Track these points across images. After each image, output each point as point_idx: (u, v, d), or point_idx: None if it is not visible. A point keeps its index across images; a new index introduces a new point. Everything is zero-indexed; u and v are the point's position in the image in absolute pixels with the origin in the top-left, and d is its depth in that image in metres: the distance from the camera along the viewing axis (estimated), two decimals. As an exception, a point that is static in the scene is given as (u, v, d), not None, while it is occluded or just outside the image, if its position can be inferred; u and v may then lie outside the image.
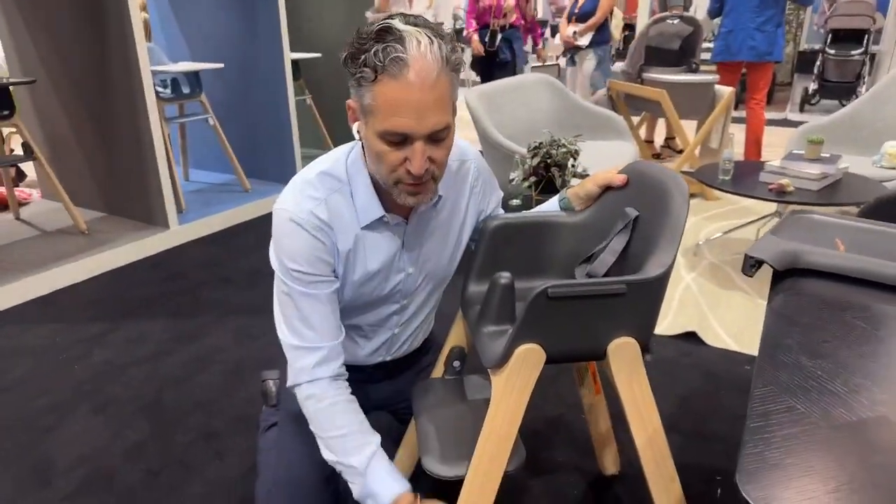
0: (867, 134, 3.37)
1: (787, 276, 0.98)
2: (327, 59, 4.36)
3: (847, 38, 6.12)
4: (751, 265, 0.99)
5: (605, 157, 3.02)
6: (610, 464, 1.51)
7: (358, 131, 0.97)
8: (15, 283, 2.48)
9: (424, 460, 1.04)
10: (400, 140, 0.90)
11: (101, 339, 2.19)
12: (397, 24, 0.87)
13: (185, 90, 3.40)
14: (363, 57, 0.86)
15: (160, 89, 3.32)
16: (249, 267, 2.82)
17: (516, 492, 1.47)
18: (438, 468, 1.02)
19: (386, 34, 0.86)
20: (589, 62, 4.52)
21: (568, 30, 4.46)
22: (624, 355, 0.95)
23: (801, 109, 6.62)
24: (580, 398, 1.45)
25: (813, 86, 6.40)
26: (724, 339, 2.13)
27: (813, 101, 6.57)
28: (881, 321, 0.84)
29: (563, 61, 4.64)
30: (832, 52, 6.13)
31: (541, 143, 2.20)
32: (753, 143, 4.08)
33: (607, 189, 1.15)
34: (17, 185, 3.71)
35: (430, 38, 0.87)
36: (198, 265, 2.83)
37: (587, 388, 1.38)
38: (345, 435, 1.04)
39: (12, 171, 3.42)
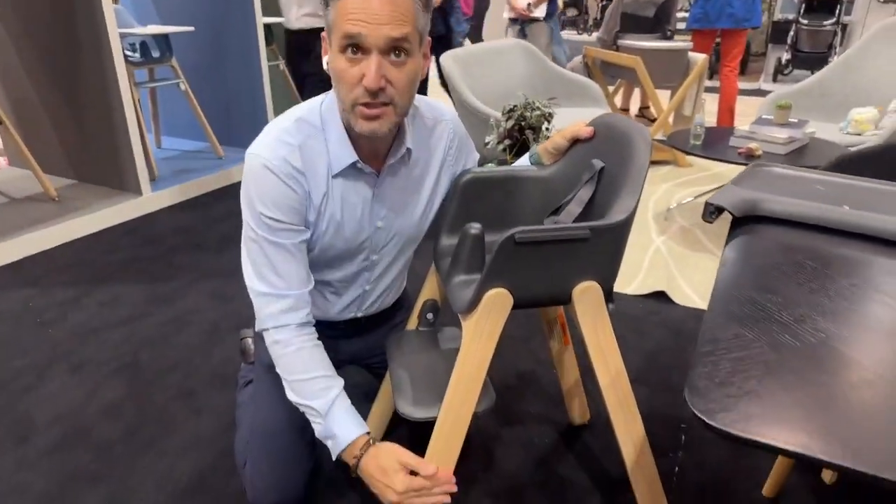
0: (836, 101, 3.44)
1: (745, 222, 1.03)
2: (301, 24, 4.27)
3: (820, 7, 6.19)
4: (710, 212, 1.03)
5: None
6: (579, 414, 1.57)
7: (327, 65, 0.98)
8: (-16, 249, 2.44)
9: (398, 404, 1.07)
10: (355, 51, 0.91)
11: (76, 303, 2.18)
12: None
13: (155, 54, 3.33)
14: None
15: (129, 53, 3.25)
16: (223, 233, 2.81)
17: (489, 440, 1.52)
18: (412, 411, 1.05)
19: None
20: (544, 36, 4.23)
21: (521, 0, 4.11)
22: (588, 299, 0.99)
23: (775, 80, 6.70)
24: (551, 353, 1.50)
25: (786, 56, 6.48)
26: (692, 297, 2.20)
27: (786, 72, 6.65)
28: (830, 261, 0.89)
29: (511, 32, 4.25)
30: (805, 21, 6.20)
31: (515, 106, 2.22)
32: (726, 111, 4.13)
33: (575, 142, 1.18)
34: (-17, 153, 3.62)
35: None
36: (171, 231, 2.81)
37: (556, 339, 1.43)
38: (309, 379, 1.07)
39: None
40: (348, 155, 1.05)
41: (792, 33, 6.37)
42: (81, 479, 1.41)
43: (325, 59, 0.99)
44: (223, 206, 3.16)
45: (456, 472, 1.35)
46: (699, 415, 0.57)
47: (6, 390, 1.72)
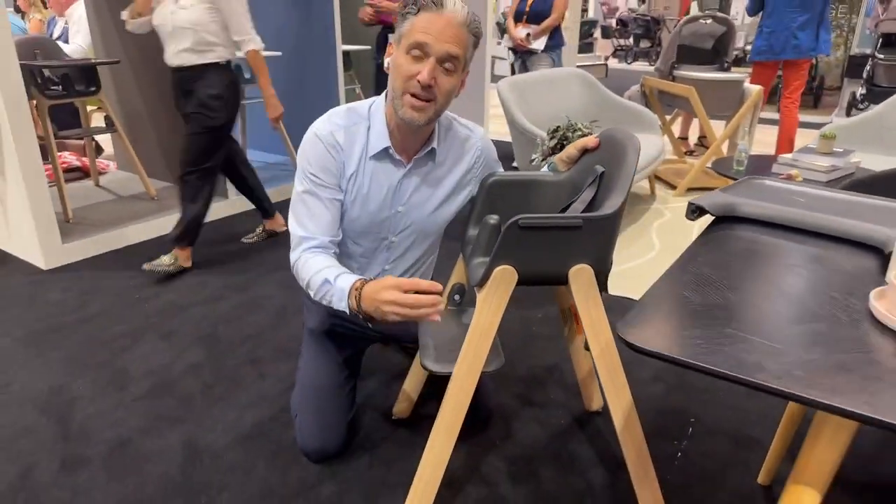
0: (895, 135, 3.45)
1: (723, 221, 1.20)
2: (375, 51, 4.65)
3: (898, 42, 6.06)
4: (692, 211, 1.20)
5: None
6: (593, 401, 1.73)
7: (388, 64, 1.26)
8: (96, 237, 2.86)
9: (423, 360, 1.29)
10: (419, 54, 1.19)
11: (168, 284, 2.53)
12: None
13: (247, 76, 3.74)
14: (413, 1, 1.20)
15: (225, 74, 3.66)
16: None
17: (511, 417, 1.71)
18: (433, 366, 1.27)
19: None
20: (544, 68, 4.06)
21: (519, 31, 3.98)
22: (582, 279, 1.18)
23: (848, 114, 6.55)
24: (567, 343, 1.68)
25: (861, 90, 6.35)
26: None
27: (861, 106, 6.50)
28: (786, 251, 1.05)
29: (507, 61, 4.23)
30: (882, 56, 6.08)
31: (558, 127, 2.42)
32: (785, 142, 4.17)
33: (585, 152, 1.38)
34: (96, 157, 4.14)
35: (464, 5, 1.21)
36: (250, 230, 3.16)
37: (570, 327, 1.61)
38: (319, 270, 1.27)
39: (93, 143, 3.84)
40: (384, 141, 1.32)
41: (868, 68, 6.25)
42: (166, 420, 1.70)
43: (386, 60, 1.28)
44: (296, 211, 3.50)
45: (477, 440, 1.57)
46: (622, 336, 0.76)
47: (108, 348, 2.06)
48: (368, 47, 4.49)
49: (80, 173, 3.82)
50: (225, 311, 2.31)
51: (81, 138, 3.70)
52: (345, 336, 1.59)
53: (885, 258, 1.00)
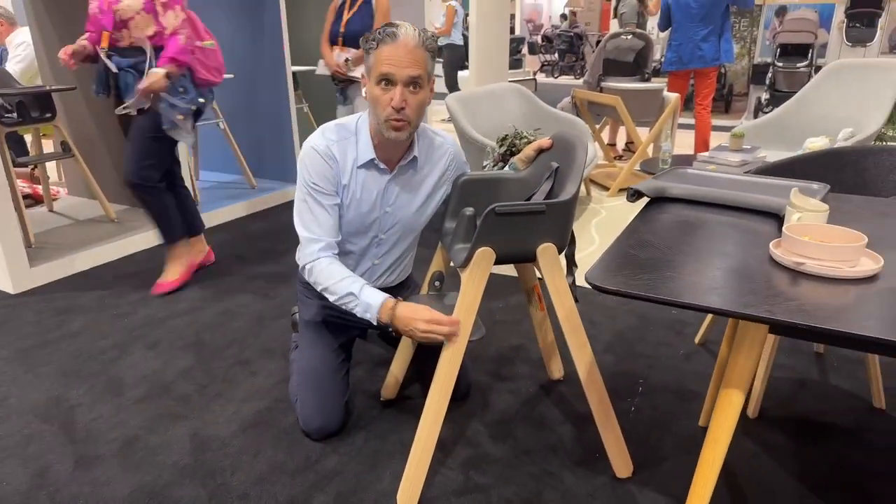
0: (793, 133, 3.91)
1: (656, 202, 1.47)
2: (322, 71, 4.83)
3: (794, 52, 6.73)
4: (631, 194, 1.47)
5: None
6: (555, 370, 1.98)
7: (365, 93, 1.47)
8: (61, 259, 2.90)
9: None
10: (387, 83, 1.40)
11: (143, 301, 2.63)
12: (398, 23, 1.42)
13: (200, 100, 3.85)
14: (373, 35, 1.39)
15: (177, 97, 3.76)
16: (261, 247, 3.26)
17: (486, 390, 1.93)
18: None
19: (388, 25, 1.40)
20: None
21: (337, 55, 3.25)
22: (547, 255, 1.42)
23: (755, 117, 7.20)
24: (532, 320, 1.92)
25: (765, 95, 7.00)
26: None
27: (766, 110, 7.14)
28: (708, 221, 1.32)
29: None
30: (780, 64, 6.74)
31: (507, 136, 2.69)
32: (701, 143, 4.61)
33: (541, 151, 1.63)
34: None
35: (414, 28, 1.41)
36: (216, 246, 3.27)
37: (534, 305, 1.85)
38: (341, 279, 1.50)
39: (37, 171, 3.84)
40: (370, 153, 1.53)
41: (770, 75, 6.90)
42: (168, 417, 1.83)
43: (363, 90, 1.48)
44: (259, 226, 3.63)
45: (460, 411, 1.79)
46: (590, 281, 1.00)
47: (97, 361, 2.15)
48: (314, 68, 4.67)
49: (31, 200, 3.81)
50: (205, 320, 2.44)
51: (34, 166, 3.69)
52: (337, 325, 1.78)
53: (780, 220, 1.29)
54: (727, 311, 0.91)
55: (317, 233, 1.53)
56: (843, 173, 1.93)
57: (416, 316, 1.41)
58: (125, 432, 1.76)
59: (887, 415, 1.80)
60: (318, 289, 1.53)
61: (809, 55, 6.65)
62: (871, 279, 1.01)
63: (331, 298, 1.52)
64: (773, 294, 0.96)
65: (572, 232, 1.50)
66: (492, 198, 1.66)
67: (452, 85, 7.50)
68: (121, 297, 2.66)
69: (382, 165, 1.56)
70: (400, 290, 1.85)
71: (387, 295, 1.48)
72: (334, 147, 1.51)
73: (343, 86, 3.39)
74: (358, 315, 1.49)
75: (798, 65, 6.65)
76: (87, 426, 1.79)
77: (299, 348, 1.79)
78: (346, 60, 3.23)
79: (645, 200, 1.53)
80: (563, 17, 13.73)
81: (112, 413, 1.85)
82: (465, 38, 7.18)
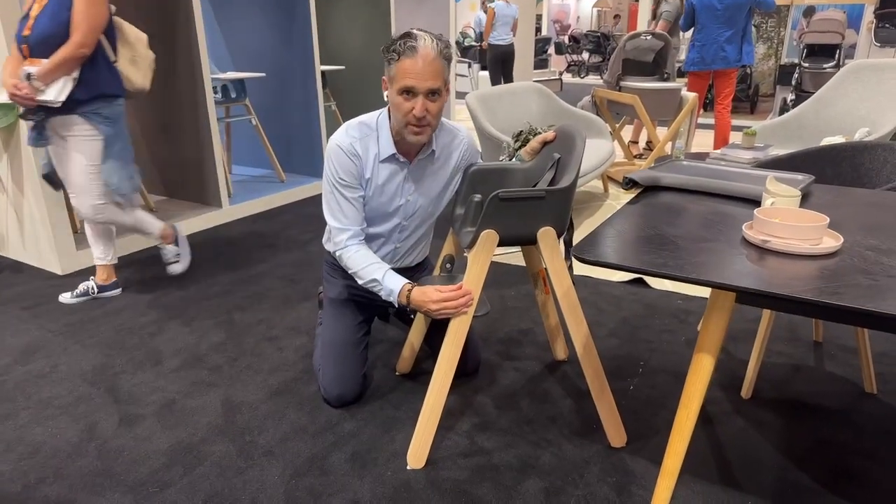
0: (810, 132, 3.96)
1: (649, 190, 1.59)
2: (349, 71, 5.01)
3: (821, 52, 6.71)
4: (626, 182, 1.59)
5: (587, 153, 3.62)
6: (560, 351, 2.10)
7: (387, 96, 1.60)
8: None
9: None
10: (409, 94, 1.53)
11: (179, 282, 2.82)
12: (415, 31, 1.53)
13: (233, 95, 4.06)
14: (393, 46, 1.52)
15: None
16: (288, 237, 3.44)
17: (494, 368, 2.07)
18: (434, 313, 1.62)
19: (407, 37, 1.52)
20: (84, 143, 2.35)
21: (22, 70, 2.19)
22: (547, 238, 1.55)
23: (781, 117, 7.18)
24: (537, 303, 2.04)
25: (791, 96, 6.98)
26: (667, 284, 2.72)
27: (791, 110, 7.13)
28: (694, 207, 1.44)
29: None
30: (807, 65, 6.72)
31: (521, 132, 2.81)
32: (721, 142, 4.67)
33: (545, 144, 1.76)
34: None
35: (432, 38, 1.53)
36: (247, 235, 3.46)
37: (539, 289, 1.98)
38: (367, 265, 1.65)
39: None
40: (391, 148, 1.67)
41: (796, 75, 6.89)
42: (202, 384, 2.00)
43: (385, 93, 1.62)
44: (287, 217, 3.81)
45: (468, 386, 1.93)
46: (575, 254, 1.13)
47: (137, 335, 2.34)
48: (343, 67, 4.85)
49: (76, 191, 4.05)
50: (236, 301, 2.62)
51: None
52: (359, 303, 1.93)
53: (758, 206, 1.40)
54: (695, 279, 1.03)
55: (344, 223, 1.69)
56: (841, 168, 2.02)
57: (426, 298, 1.55)
58: (164, 396, 1.94)
59: (877, 399, 1.89)
60: (350, 272, 1.70)
61: (837, 56, 6.62)
62: (830, 255, 1.12)
63: (359, 281, 1.68)
64: (740, 266, 1.07)
65: (571, 218, 1.63)
66: (499, 186, 1.80)
67: (496, 83, 7.63)
68: (159, 280, 2.86)
69: (402, 159, 1.70)
70: (418, 270, 1.99)
71: (405, 281, 1.63)
72: (357, 144, 1.66)
73: (35, 118, 2.28)
74: (381, 297, 1.65)
75: (825, 65, 6.63)
76: (130, 390, 1.97)
77: (324, 321, 1.95)
78: (30, 77, 2.16)
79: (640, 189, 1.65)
80: (617, 17, 13.81)
81: (152, 379, 2.04)
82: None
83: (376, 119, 1.69)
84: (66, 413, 1.86)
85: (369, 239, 1.81)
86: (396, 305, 1.63)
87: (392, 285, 1.62)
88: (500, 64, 7.57)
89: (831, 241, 1.14)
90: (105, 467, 1.62)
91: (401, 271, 1.92)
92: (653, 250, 1.16)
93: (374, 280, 1.64)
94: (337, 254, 1.71)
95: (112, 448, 1.70)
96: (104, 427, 1.79)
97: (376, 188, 1.71)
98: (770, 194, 1.26)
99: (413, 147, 1.69)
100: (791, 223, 1.15)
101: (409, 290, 1.60)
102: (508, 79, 7.53)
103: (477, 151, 1.86)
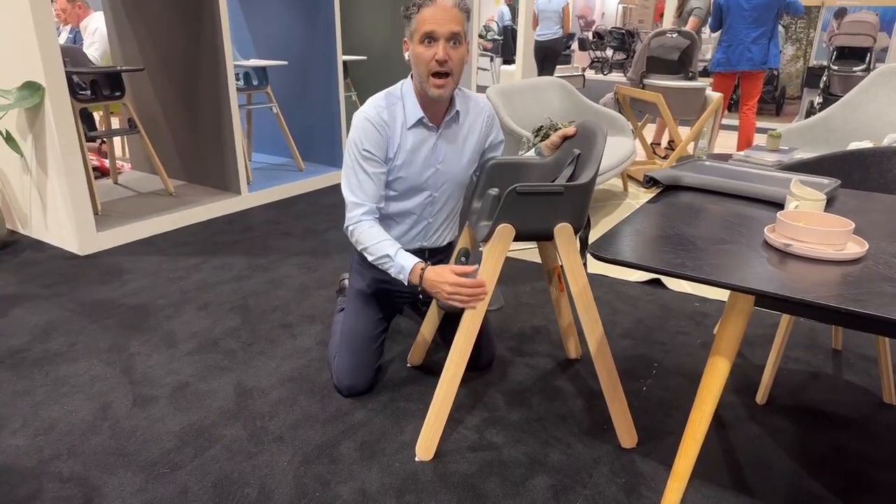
0: (838, 136, 3.88)
1: (670, 189, 1.56)
2: (371, 62, 5.01)
3: (851, 55, 6.58)
4: (646, 181, 1.57)
5: (607, 150, 3.58)
6: (572, 350, 2.09)
7: (408, 56, 1.62)
8: (124, 227, 3.15)
9: (440, 304, 1.63)
10: (431, 40, 1.54)
11: (196, 267, 2.84)
12: None
13: (255, 82, 4.08)
14: (412, 2, 1.55)
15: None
16: (305, 225, 3.46)
17: (506, 364, 2.06)
18: (448, 306, 1.61)
19: None
20: None
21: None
22: (564, 234, 1.53)
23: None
24: (552, 300, 2.03)
25: (818, 99, 6.85)
26: (683, 285, 2.69)
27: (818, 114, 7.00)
28: (715, 207, 1.42)
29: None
30: (836, 68, 6.59)
31: (542, 127, 2.79)
32: (745, 143, 4.61)
33: (565, 139, 1.74)
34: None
35: None
36: (264, 222, 3.48)
37: (554, 286, 1.96)
38: (379, 242, 1.64)
39: (105, 146, 4.14)
40: (418, 112, 1.68)
41: (825, 78, 6.76)
42: (215, 369, 2.02)
43: (406, 55, 1.63)
44: (304, 206, 3.83)
45: (480, 381, 1.92)
46: (592, 251, 1.12)
47: (154, 317, 2.37)
48: (364, 58, 4.85)
49: (98, 172, 4.10)
50: (252, 287, 2.63)
51: (103, 140, 3.98)
52: (384, 299, 1.92)
53: (781, 209, 1.37)
54: (713, 281, 1.01)
55: (361, 197, 1.68)
56: (868, 173, 1.98)
57: (442, 279, 1.53)
58: (178, 378, 1.96)
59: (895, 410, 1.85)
60: (359, 248, 1.68)
61: (867, 59, 6.49)
62: (854, 262, 1.09)
63: (370, 258, 1.66)
64: (760, 270, 1.05)
65: (588, 216, 1.61)
66: (517, 181, 1.78)
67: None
68: (176, 263, 2.88)
69: (430, 123, 1.70)
70: (448, 252, 1.97)
71: (418, 259, 1.62)
72: (384, 113, 1.66)
73: None
74: (392, 275, 1.63)
75: (854, 69, 6.50)
76: (145, 372, 2.00)
77: (345, 312, 1.95)
78: None
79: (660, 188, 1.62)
80: (641, 21, 13.60)
81: (166, 362, 2.06)
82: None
83: (400, 88, 1.71)
84: (82, 392, 1.89)
85: (400, 217, 1.81)
86: (407, 283, 1.61)
87: (404, 262, 1.60)
88: (541, 59, 7.61)
89: (856, 247, 1.12)
90: (118, 446, 1.64)
91: (431, 253, 1.91)
92: (671, 250, 1.14)
93: (386, 256, 1.62)
94: (349, 229, 1.70)
95: (125, 428, 1.72)
96: (118, 407, 1.81)
97: (406, 158, 1.70)
98: (794, 197, 1.23)
99: (439, 107, 1.69)
100: (815, 227, 1.12)
101: (423, 270, 1.58)
102: (549, 74, 7.54)
103: (497, 121, 1.87)
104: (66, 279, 2.70)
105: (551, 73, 7.43)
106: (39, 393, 1.88)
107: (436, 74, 1.57)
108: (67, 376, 1.96)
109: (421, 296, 1.67)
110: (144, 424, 1.73)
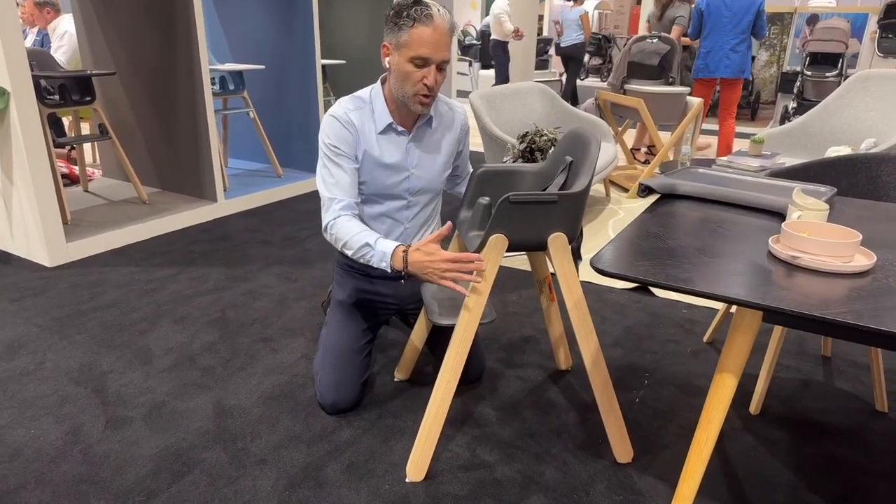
0: (816, 141, 3.91)
1: (666, 198, 1.53)
2: (350, 66, 4.93)
3: (824, 60, 6.68)
4: (642, 189, 1.53)
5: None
6: (563, 361, 2.04)
7: (388, 63, 1.57)
8: (95, 237, 3.03)
9: (430, 315, 1.58)
10: (422, 64, 1.50)
11: (171, 278, 2.74)
12: (427, 2, 1.51)
13: (231, 87, 3.98)
14: (405, 12, 1.48)
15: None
16: (284, 233, 3.37)
17: (497, 377, 2.00)
18: (438, 319, 1.55)
19: (419, 3, 1.49)
20: None
21: None
22: (558, 244, 1.48)
23: (782, 125, 7.15)
24: (542, 309, 1.98)
25: (792, 104, 6.95)
26: (671, 293, 2.66)
27: (792, 118, 7.10)
28: (712, 217, 1.38)
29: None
30: (809, 73, 6.69)
31: (527, 133, 2.75)
32: (724, 148, 4.63)
33: (552, 146, 1.70)
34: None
35: (440, 9, 1.51)
36: (242, 230, 3.38)
37: (545, 296, 1.92)
38: (358, 233, 1.57)
39: (75, 152, 4.00)
40: (388, 118, 1.64)
41: (798, 83, 6.85)
42: (193, 386, 1.93)
43: (386, 60, 1.58)
44: (284, 213, 3.73)
45: (470, 394, 1.86)
46: (594, 265, 1.07)
47: (127, 331, 2.27)
48: (343, 62, 4.78)
49: (67, 180, 3.96)
50: (230, 299, 2.54)
51: (72, 147, 3.84)
52: (367, 309, 1.86)
53: (783, 219, 1.34)
54: (722, 297, 0.97)
55: (336, 193, 1.63)
56: (857, 179, 1.97)
57: (433, 257, 1.44)
58: (153, 398, 1.87)
59: (889, 417, 1.84)
60: (339, 245, 1.61)
61: (840, 65, 6.59)
62: (863, 274, 1.06)
63: (349, 253, 1.59)
64: (767, 284, 1.01)
65: (581, 226, 1.56)
66: (507, 189, 1.73)
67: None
68: (151, 275, 2.78)
69: (401, 128, 1.67)
70: None
71: (398, 243, 1.54)
72: (352, 115, 1.63)
73: None
74: (374, 265, 1.55)
75: (827, 74, 6.60)
76: (118, 391, 1.90)
77: (327, 324, 1.88)
78: None
79: (656, 196, 1.58)
80: (616, 27, 13.67)
81: (141, 380, 1.96)
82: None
83: (369, 93, 1.68)
84: (51, 414, 1.78)
85: (377, 221, 1.77)
86: (390, 270, 1.53)
87: (385, 248, 1.53)
88: (565, 63, 8.06)
89: (864, 259, 1.09)
90: (89, 473, 1.54)
91: None
92: (677, 264, 1.10)
93: (366, 245, 1.55)
94: (327, 228, 1.63)
95: (97, 452, 1.62)
96: (90, 430, 1.72)
97: (379, 164, 1.67)
98: (797, 207, 1.20)
99: (411, 115, 1.67)
100: (822, 238, 1.09)
101: (406, 252, 1.49)
102: (570, 77, 7.96)
103: (468, 135, 1.87)
104: (33, 292, 2.57)
105: (574, 77, 7.95)
106: (4, 416, 1.77)
107: (422, 94, 1.56)
108: (35, 397, 1.86)
109: (403, 280, 1.60)
110: (118, 448, 1.64)
